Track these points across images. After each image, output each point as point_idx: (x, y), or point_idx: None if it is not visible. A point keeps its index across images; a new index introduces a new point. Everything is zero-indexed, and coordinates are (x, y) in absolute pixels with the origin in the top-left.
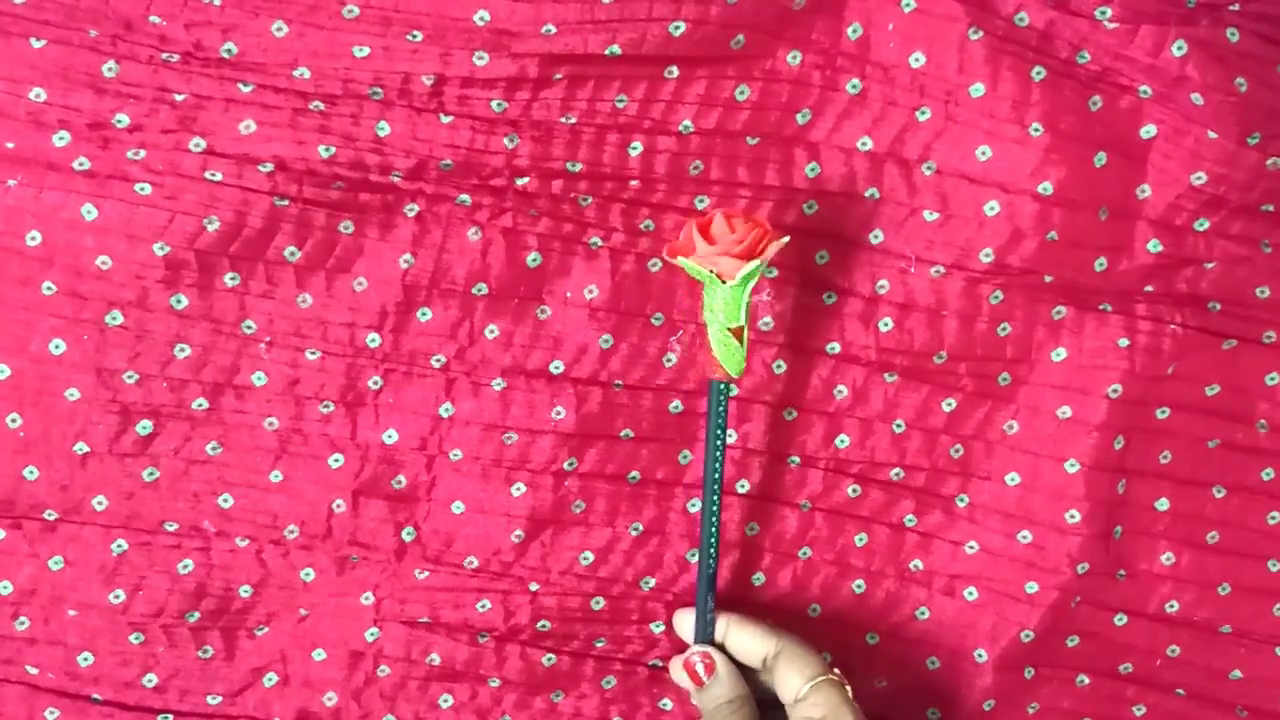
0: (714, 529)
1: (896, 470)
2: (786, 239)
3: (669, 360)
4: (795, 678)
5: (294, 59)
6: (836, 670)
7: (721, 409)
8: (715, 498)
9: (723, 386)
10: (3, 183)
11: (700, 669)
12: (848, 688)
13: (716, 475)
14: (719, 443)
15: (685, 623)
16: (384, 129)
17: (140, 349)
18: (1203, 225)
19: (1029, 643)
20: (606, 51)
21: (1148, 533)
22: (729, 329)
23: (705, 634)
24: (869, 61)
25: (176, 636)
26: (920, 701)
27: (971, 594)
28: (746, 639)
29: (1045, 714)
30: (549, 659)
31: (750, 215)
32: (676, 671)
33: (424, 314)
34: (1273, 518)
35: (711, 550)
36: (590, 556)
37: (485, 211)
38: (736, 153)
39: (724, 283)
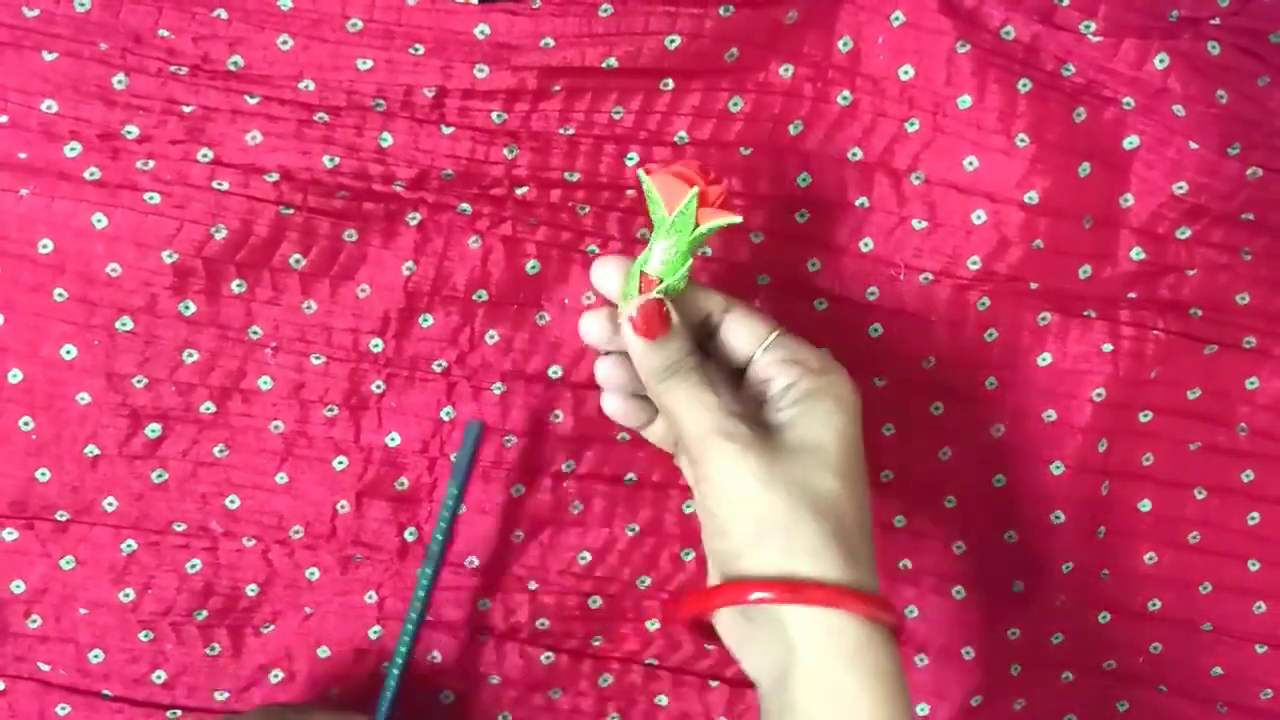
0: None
1: (886, 472)
2: (739, 219)
3: None
4: (754, 331)
5: (299, 71)
6: (782, 330)
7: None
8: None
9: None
10: (15, 192)
11: (647, 319)
12: None
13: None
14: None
15: (607, 273)
16: (387, 140)
17: (149, 354)
18: (1184, 233)
19: (1015, 640)
20: (603, 64)
21: (1130, 533)
22: (644, 272)
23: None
24: (859, 74)
25: (185, 634)
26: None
27: (959, 593)
28: (695, 296)
29: (1031, 710)
30: (547, 657)
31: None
32: (596, 324)
33: (426, 320)
34: (1252, 518)
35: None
36: (588, 556)
37: (485, 220)
38: (730, 163)
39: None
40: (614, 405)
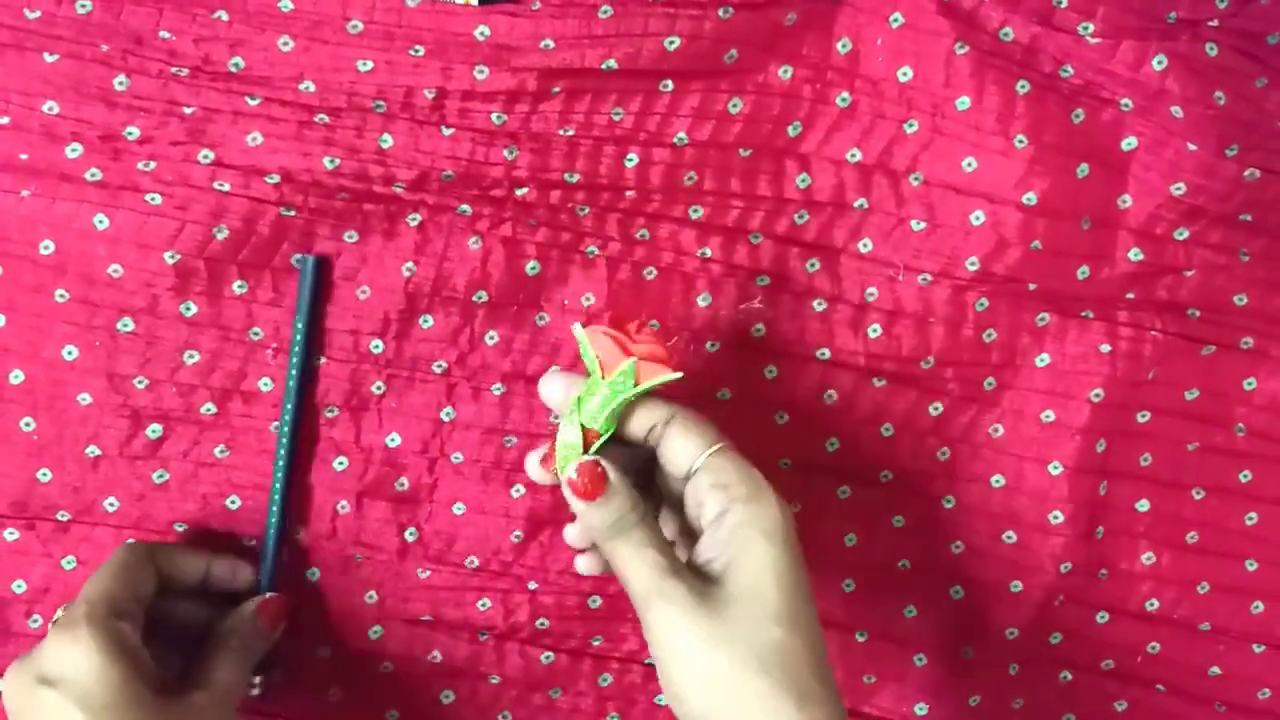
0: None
1: (885, 472)
2: (680, 375)
3: None
4: (690, 445)
5: (300, 73)
6: (726, 443)
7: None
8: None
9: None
10: (17, 193)
11: (586, 481)
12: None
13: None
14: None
15: (553, 388)
16: (387, 141)
17: (150, 355)
18: (1182, 234)
19: (1013, 640)
20: (603, 66)
21: (1129, 533)
22: (583, 425)
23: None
24: (858, 75)
25: None
26: (909, 697)
27: (958, 593)
28: (639, 409)
29: (1029, 710)
30: (547, 657)
31: (665, 343)
32: (536, 470)
33: (426, 321)
34: (1250, 518)
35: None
36: None
37: (485, 221)
38: (729, 164)
39: (604, 379)
40: (586, 565)
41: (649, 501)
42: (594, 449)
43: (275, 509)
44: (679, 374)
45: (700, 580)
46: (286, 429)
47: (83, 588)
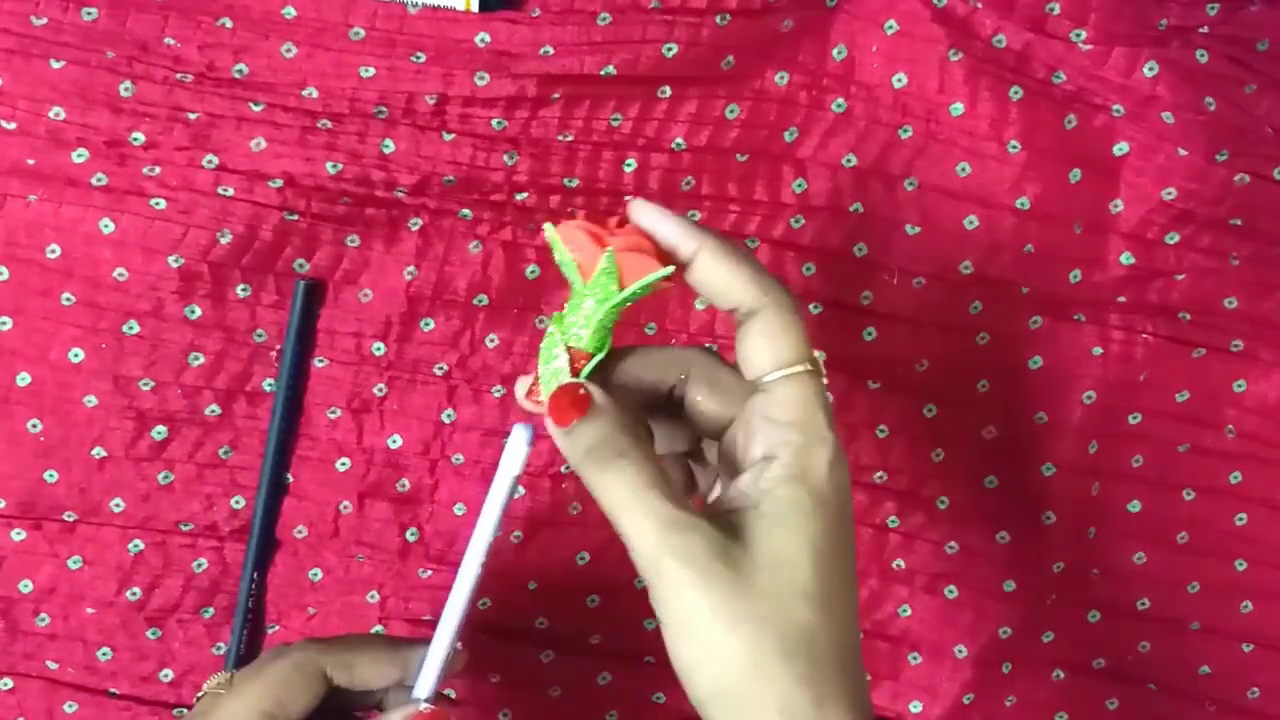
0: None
1: (880, 473)
2: (670, 269)
3: None
4: (763, 356)
5: (303, 79)
6: (818, 355)
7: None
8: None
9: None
10: (24, 198)
11: (565, 404)
12: (825, 379)
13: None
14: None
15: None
16: (389, 146)
17: (155, 357)
18: (1173, 239)
19: (1006, 639)
20: (602, 72)
21: (1120, 533)
22: (568, 346)
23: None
24: (853, 81)
25: (192, 632)
26: (903, 695)
27: (952, 592)
28: (730, 273)
29: (1022, 707)
30: (547, 656)
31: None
32: (523, 400)
33: (427, 324)
34: (1240, 519)
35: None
36: (586, 556)
37: (486, 225)
38: (727, 169)
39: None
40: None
41: (667, 427)
42: (585, 372)
43: (252, 547)
44: (670, 268)
45: (720, 535)
46: (269, 461)
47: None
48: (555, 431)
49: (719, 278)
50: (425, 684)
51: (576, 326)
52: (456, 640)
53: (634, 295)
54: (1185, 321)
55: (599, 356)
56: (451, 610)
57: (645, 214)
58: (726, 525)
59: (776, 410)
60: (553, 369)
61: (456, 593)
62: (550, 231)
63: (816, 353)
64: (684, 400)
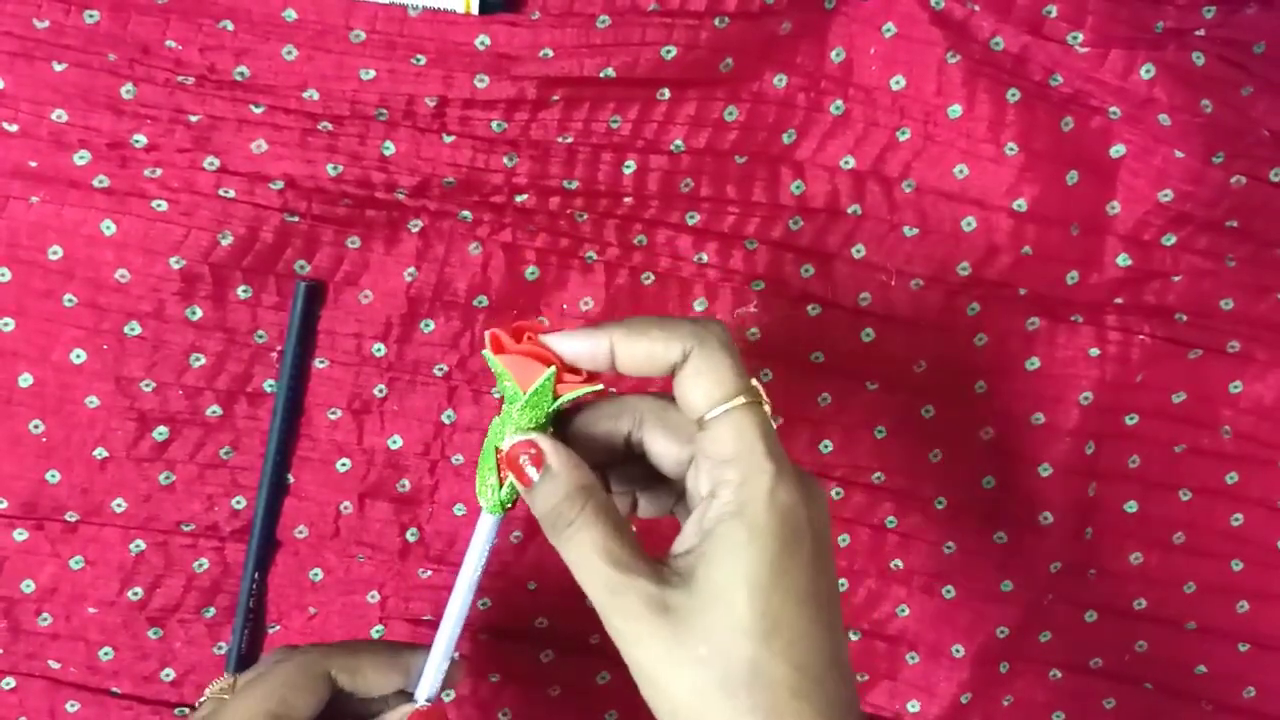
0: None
1: (878, 474)
2: (599, 386)
3: None
4: (698, 397)
5: (303, 81)
6: (757, 384)
7: None
8: None
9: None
10: (26, 199)
11: (527, 465)
12: (767, 406)
13: None
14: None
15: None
16: (389, 148)
17: (157, 358)
18: (1170, 240)
19: (1004, 638)
20: (601, 74)
21: (1117, 533)
22: (497, 448)
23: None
24: (852, 84)
25: (193, 632)
26: (901, 694)
27: (949, 592)
28: (646, 345)
29: (1019, 707)
30: (546, 655)
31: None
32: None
33: (427, 325)
34: (1236, 519)
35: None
36: None
37: (486, 227)
38: (725, 171)
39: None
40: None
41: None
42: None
43: (253, 547)
44: (599, 385)
45: (663, 583)
46: (270, 462)
47: (231, 696)
48: (519, 489)
49: (638, 351)
50: (426, 687)
51: (512, 434)
52: (454, 649)
53: (568, 401)
54: (1182, 323)
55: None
56: (451, 614)
57: (553, 343)
58: (676, 570)
59: (715, 448)
60: (489, 483)
61: (455, 598)
62: (491, 360)
63: (755, 382)
64: (643, 446)
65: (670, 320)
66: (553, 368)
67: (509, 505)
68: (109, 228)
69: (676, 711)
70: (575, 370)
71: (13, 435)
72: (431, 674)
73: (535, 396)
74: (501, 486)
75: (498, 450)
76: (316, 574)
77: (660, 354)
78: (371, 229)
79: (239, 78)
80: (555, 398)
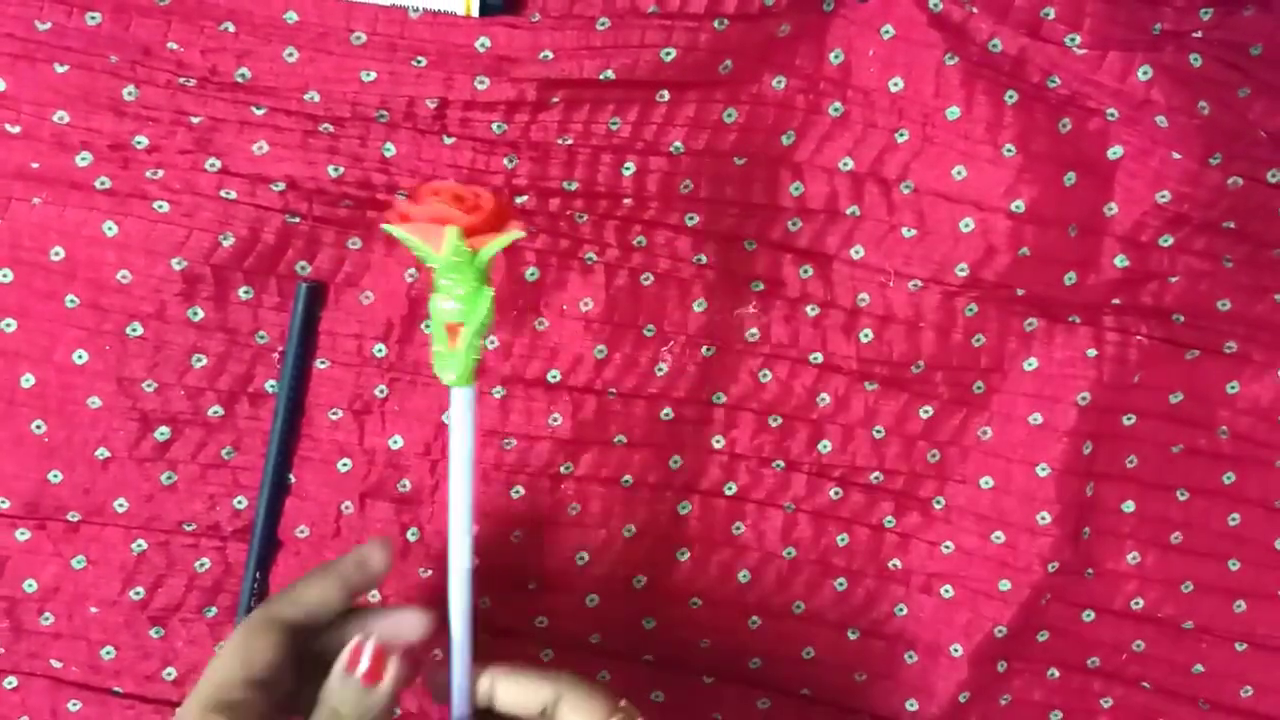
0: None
1: (876, 474)
2: (521, 234)
3: (660, 370)
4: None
5: (305, 83)
6: (625, 703)
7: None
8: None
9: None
10: (28, 201)
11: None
12: None
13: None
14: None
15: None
16: (390, 150)
17: (159, 359)
18: (1167, 241)
19: (1002, 638)
20: (601, 76)
21: (1114, 533)
22: (444, 324)
23: (464, 709)
24: (850, 86)
25: (195, 632)
26: (899, 694)
27: (948, 591)
28: (518, 690)
29: (1017, 705)
30: (546, 654)
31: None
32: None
33: (428, 326)
34: (1233, 519)
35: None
36: (585, 556)
37: None
38: (724, 172)
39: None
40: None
41: None
42: (473, 333)
43: (255, 546)
44: (520, 232)
45: None
46: (271, 462)
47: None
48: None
49: (515, 688)
50: (459, 703)
51: (446, 303)
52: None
53: (490, 255)
54: (1179, 323)
55: (473, 325)
56: (457, 511)
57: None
58: None
59: None
60: (448, 355)
61: (455, 493)
62: (393, 230)
63: (623, 701)
64: None
65: (538, 666)
66: (453, 226)
67: (474, 369)
68: (111, 229)
69: None
70: (490, 223)
71: (15, 435)
72: (460, 682)
73: (455, 260)
74: (458, 351)
75: (448, 324)
76: None
77: (532, 693)
78: (372, 230)
79: (240, 79)
80: (473, 253)
